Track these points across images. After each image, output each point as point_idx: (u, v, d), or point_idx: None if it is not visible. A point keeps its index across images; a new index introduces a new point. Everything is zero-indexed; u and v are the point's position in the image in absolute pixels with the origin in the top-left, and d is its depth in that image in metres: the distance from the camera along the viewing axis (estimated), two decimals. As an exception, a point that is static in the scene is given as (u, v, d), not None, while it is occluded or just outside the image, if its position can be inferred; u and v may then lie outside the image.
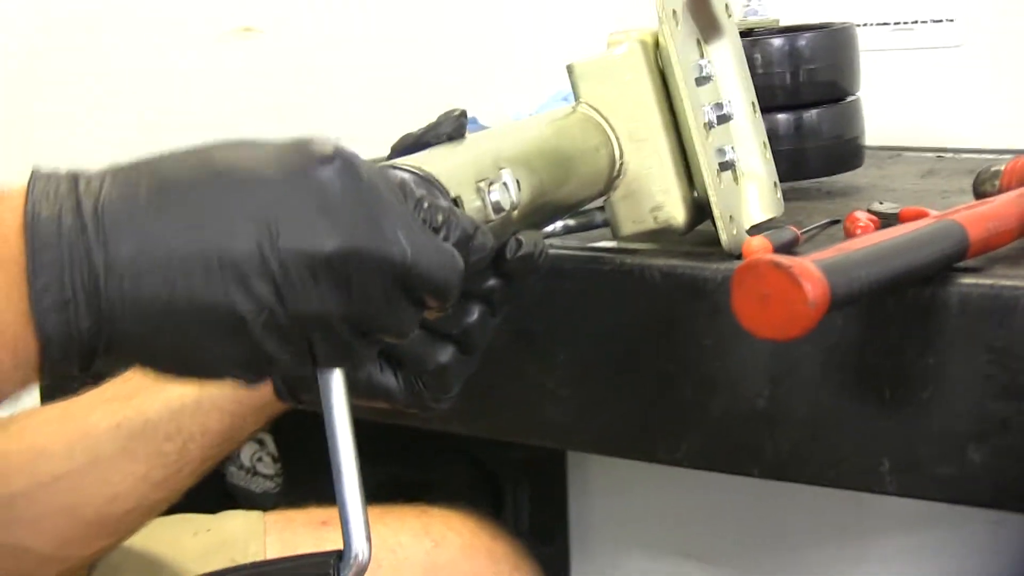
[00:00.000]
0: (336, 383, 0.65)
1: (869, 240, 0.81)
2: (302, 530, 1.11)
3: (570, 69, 0.96)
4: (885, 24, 1.61)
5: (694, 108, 0.94)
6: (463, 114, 0.82)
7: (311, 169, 0.59)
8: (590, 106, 0.95)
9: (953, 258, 0.83)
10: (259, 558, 1.06)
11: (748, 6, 1.30)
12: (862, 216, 0.98)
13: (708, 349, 0.91)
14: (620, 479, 1.91)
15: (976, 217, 0.86)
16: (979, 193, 1.02)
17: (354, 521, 0.66)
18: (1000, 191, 1.00)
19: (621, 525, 1.92)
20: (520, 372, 1.00)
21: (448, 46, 1.90)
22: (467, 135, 0.82)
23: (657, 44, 0.95)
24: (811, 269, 0.73)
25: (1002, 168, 1.01)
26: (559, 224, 0.98)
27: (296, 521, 1.13)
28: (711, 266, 0.91)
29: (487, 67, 1.91)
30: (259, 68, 1.95)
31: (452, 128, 0.81)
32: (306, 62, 1.96)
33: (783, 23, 1.30)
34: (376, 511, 1.15)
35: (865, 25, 1.62)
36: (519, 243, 0.77)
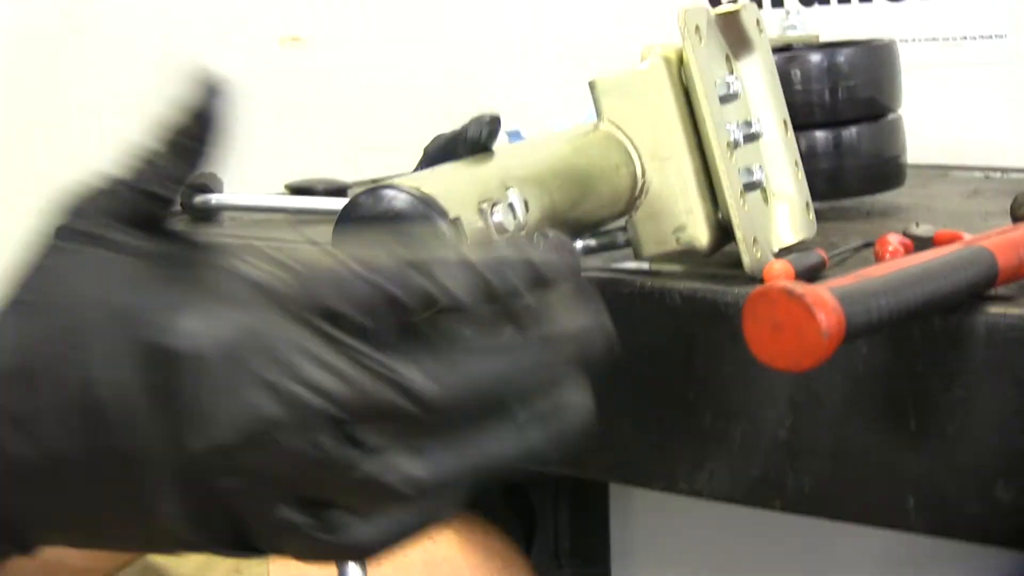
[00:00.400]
0: None
1: (893, 266, 0.78)
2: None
3: (592, 85, 0.94)
4: (934, 40, 1.57)
5: (717, 127, 0.91)
6: (495, 120, 0.80)
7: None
8: (612, 123, 0.92)
9: (981, 286, 0.80)
10: (262, 569, 1.06)
11: (787, 21, 1.27)
12: (893, 240, 0.95)
13: (729, 376, 0.88)
14: (664, 501, 1.88)
15: (1007, 243, 0.82)
16: (1017, 216, 0.99)
17: None
18: (1041, 215, 0.97)
19: (664, 549, 1.89)
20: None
21: (491, 59, 1.89)
22: (494, 148, 0.81)
23: (682, 60, 0.92)
24: (825, 298, 0.70)
25: (1041, 191, 0.97)
26: (579, 244, 0.96)
27: None
28: (732, 290, 0.88)
29: (534, 79, 1.90)
30: (306, 75, 2.03)
31: (482, 132, 0.79)
32: (350, 70, 1.98)
33: (824, 39, 1.26)
34: None
35: (913, 41, 1.58)
36: None
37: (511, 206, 0.76)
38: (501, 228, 0.74)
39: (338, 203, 1.28)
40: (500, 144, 0.85)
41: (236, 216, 1.26)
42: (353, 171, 1.48)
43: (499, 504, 1.63)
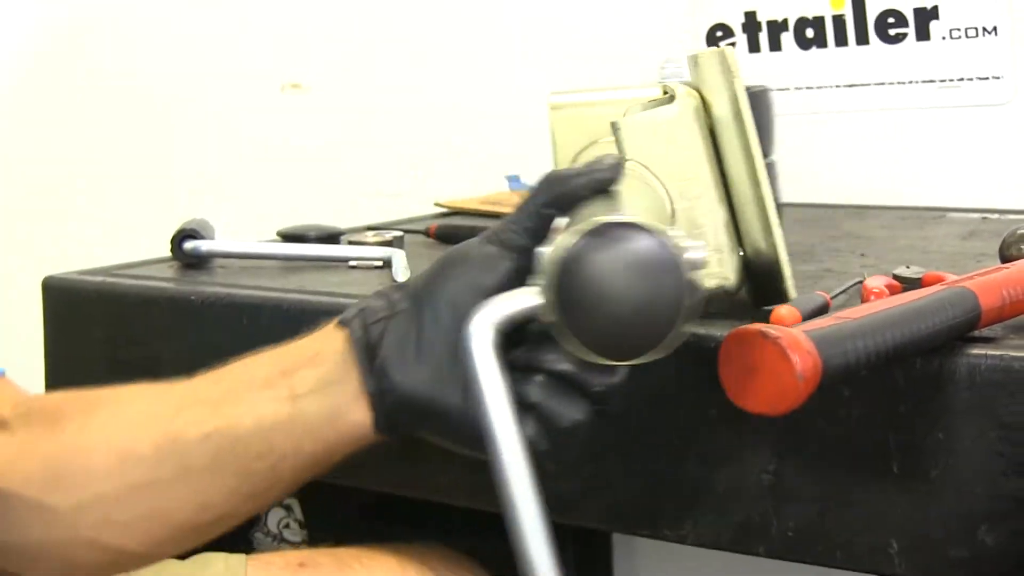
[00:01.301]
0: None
1: (873, 308, 0.77)
2: (280, 573, 1.09)
3: (616, 126, 0.93)
4: (931, 82, 1.57)
5: (758, 161, 0.91)
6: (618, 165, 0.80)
7: None
8: (640, 163, 0.92)
9: (963, 327, 0.79)
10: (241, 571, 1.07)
11: (665, 69, 1.26)
12: (877, 283, 0.94)
13: (713, 420, 0.87)
14: (667, 547, 1.86)
15: (990, 284, 0.81)
16: (1005, 257, 0.98)
17: None
18: (1029, 255, 0.96)
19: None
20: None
21: (487, 108, 1.89)
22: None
23: (703, 99, 0.93)
24: (800, 340, 0.70)
25: (1028, 231, 0.96)
26: None
27: (274, 564, 1.11)
28: (714, 332, 0.87)
29: (532, 127, 1.90)
30: (305, 122, 2.06)
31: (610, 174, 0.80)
32: (349, 118, 1.99)
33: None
34: (352, 552, 1.14)
35: (910, 83, 1.58)
36: None
37: None
38: None
39: (330, 250, 1.28)
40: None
41: (227, 263, 1.25)
42: (349, 218, 1.48)
43: (497, 544, 1.62)
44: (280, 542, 1.53)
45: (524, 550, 0.73)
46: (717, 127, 0.92)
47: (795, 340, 0.69)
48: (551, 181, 0.80)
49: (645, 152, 0.93)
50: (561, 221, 0.79)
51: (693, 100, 0.93)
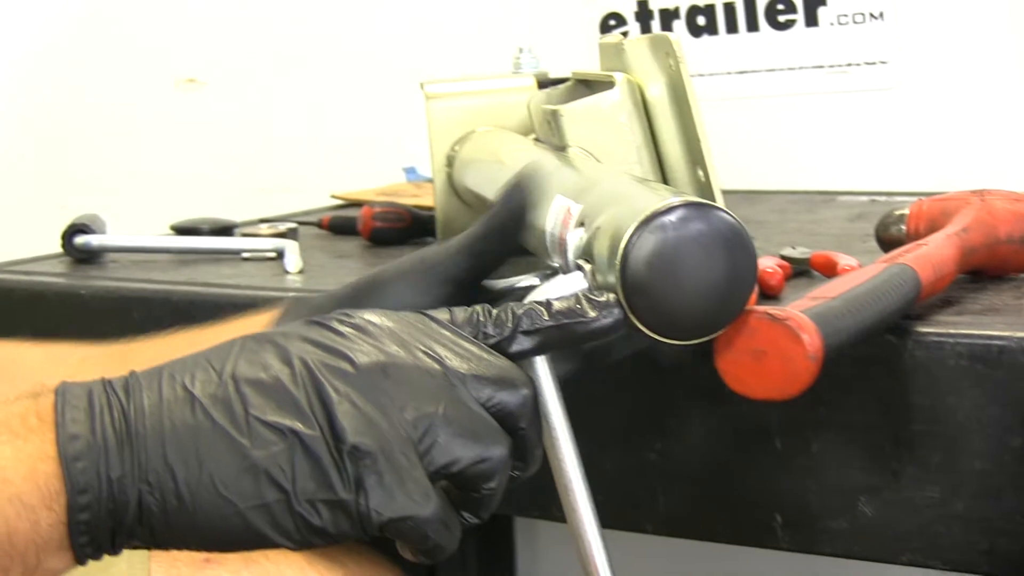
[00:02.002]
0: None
1: (843, 287, 0.77)
2: (186, 570, 1.09)
3: (558, 114, 0.94)
4: (819, 68, 1.59)
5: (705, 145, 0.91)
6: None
7: None
8: (582, 149, 0.93)
9: (912, 304, 0.80)
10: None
11: (520, 57, 1.27)
12: (769, 262, 0.96)
13: (599, 401, 0.88)
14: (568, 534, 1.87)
15: (923, 260, 0.82)
16: (881, 238, 0.99)
17: None
18: (908, 236, 0.97)
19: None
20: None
21: (384, 104, 1.89)
22: None
23: (639, 84, 0.94)
24: (806, 321, 0.69)
25: (907, 212, 0.98)
26: None
27: (179, 560, 1.10)
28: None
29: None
30: (200, 117, 2.05)
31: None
32: (244, 113, 1.99)
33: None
34: (256, 553, 1.14)
35: (799, 69, 1.60)
36: None
37: None
38: None
39: (222, 242, 1.28)
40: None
41: (119, 258, 1.25)
42: (245, 213, 1.47)
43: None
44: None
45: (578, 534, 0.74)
46: (652, 111, 0.93)
47: (804, 321, 0.69)
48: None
49: (587, 138, 0.93)
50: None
51: (632, 85, 0.94)
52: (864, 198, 1.48)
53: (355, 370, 0.65)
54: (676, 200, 0.70)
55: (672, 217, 0.69)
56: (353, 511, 0.64)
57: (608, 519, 0.85)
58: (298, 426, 0.63)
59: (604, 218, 0.73)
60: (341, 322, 0.67)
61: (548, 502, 0.92)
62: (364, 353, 0.65)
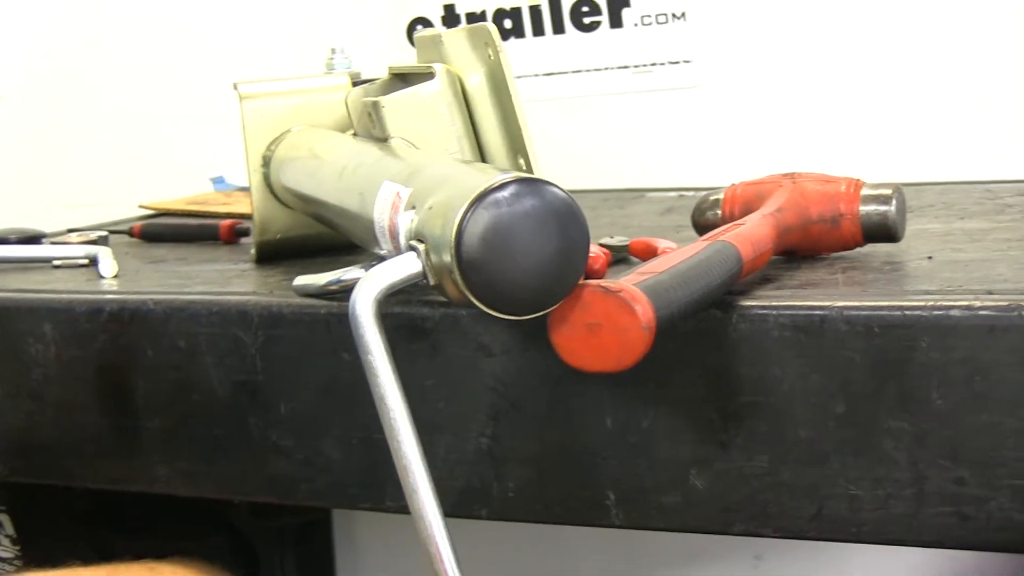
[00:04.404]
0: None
1: (669, 262, 0.78)
2: None
3: (379, 105, 0.94)
4: (625, 68, 1.62)
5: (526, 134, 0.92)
6: None
7: None
8: (404, 140, 0.93)
9: (735, 280, 0.81)
10: None
11: (333, 58, 1.28)
12: (593, 249, 0.97)
13: (430, 390, 0.88)
14: (388, 534, 1.87)
15: (743, 237, 0.84)
16: (697, 223, 1.01)
17: None
18: (723, 219, 0.99)
19: (393, 571, 1.88)
20: (243, 426, 0.96)
21: (190, 115, 1.87)
22: None
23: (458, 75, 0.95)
24: (639, 292, 0.70)
25: (721, 196, 1.00)
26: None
27: None
28: (430, 307, 0.89)
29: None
30: (2, 130, 2.01)
31: None
32: (46, 125, 1.94)
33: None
34: (105, 570, 1.11)
35: (606, 69, 1.62)
36: None
37: None
38: None
39: (32, 251, 1.25)
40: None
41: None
42: (51, 227, 1.44)
43: (220, 546, 1.60)
44: (-8, 560, 1.48)
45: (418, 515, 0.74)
46: (472, 101, 0.94)
47: (637, 293, 0.70)
48: None
49: (408, 129, 0.94)
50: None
51: (451, 76, 0.94)
52: (672, 194, 1.50)
53: None
54: (508, 176, 0.71)
55: (505, 193, 0.70)
56: None
57: (444, 507, 0.86)
58: None
59: (436, 199, 0.74)
60: None
61: (381, 495, 0.93)
62: None
